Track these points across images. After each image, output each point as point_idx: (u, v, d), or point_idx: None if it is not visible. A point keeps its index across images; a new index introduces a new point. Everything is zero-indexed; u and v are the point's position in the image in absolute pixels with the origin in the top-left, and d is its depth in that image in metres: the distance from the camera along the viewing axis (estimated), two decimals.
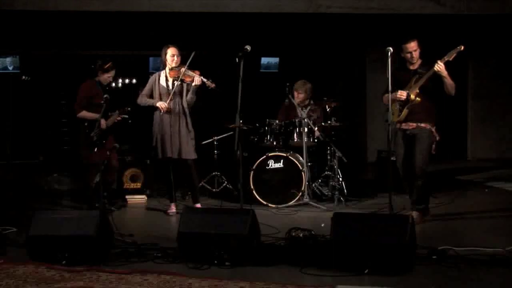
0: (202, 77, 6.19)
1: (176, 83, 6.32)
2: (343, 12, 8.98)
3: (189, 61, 6.24)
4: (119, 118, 6.61)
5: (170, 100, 6.28)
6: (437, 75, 5.56)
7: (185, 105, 6.36)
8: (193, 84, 6.23)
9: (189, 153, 6.35)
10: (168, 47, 6.34)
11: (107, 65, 6.56)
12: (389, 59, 5.16)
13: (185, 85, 6.35)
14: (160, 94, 6.37)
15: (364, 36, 10.16)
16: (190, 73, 6.26)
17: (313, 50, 10.49)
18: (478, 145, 10.97)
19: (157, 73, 6.53)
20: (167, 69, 6.38)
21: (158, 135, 6.34)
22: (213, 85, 6.24)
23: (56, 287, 4.00)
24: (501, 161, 10.23)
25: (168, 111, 6.26)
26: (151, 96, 6.42)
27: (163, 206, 6.92)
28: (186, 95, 6.35)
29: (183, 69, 6.25)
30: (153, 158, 6.56)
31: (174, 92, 6.29)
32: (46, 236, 4.55)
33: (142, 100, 6.43)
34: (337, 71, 10.77)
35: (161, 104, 6.26)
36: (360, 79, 10.81)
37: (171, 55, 6.32)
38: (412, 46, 5.77)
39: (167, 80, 6.38)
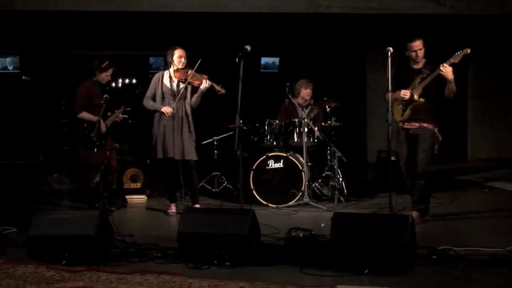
0: (211, 82, 6.18)
1: (181, 84, 6.30)
2: (343, 12, 8.98)
3: (197, 65, 6.21)
4: (120, 117, 6.61)
5: (176, 102, 6.26)
6: (442, 78, 5.55)
7: (188, 107, 6.34)
8: (202, 87, 6.22)
9: (191, 154, 6.35)
10: (175, 48, 6.32)
11: (104, 64, 6.57)
12: (389, 59, 5.15)
13: (189, 88, 6.33)
14: (163, 94, 6.34)
15: (364, 36, 10.16)
16: (199, 76, 6.24)
17: (313, 50, 10.49)
18: (478, 145, 10.97)
19: (159, 72, 6.50)
20: (171, 69, 6.36)
21: (159, 136, 6.31)
22: (223, 91, 6.24)
23: (56, 287, 4.00)
24: (501, 161, 10.23)
25: (172, 115, 6.25)
26: (154, 96, 6.40)
27: (163, 206, 6.92)
28: (190, 98, 6.34)
29: (190, 72, 6.23)
30: (153, 158, 6.53)
31: (180, 95, 6.26)
32: (46, 236, 4.55)
33: (148, 103, 6.39)
34: (337, 71, 10.77)
35: (166, 110, 6.23)
36: (360, 79, 10.82)
37: (178, 56, 6.29)
38: (418, 44, 5.76)
39: (171, 81, 6.35)
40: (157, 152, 6.33)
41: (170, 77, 6.36)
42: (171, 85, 6.35)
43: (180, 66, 6.30)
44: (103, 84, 6.65)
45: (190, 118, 6.36)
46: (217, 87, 6.24)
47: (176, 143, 6.28)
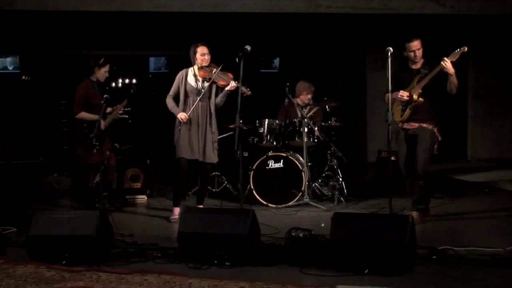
0: (237, 83, 5.90)
1: (206, 83, 6.19)
2: (343, 12, 8.97)
3: (222, 65, 6.07)
4: (122, 110, 6.59)
5: (200, 100, 6.13)
6: (443, 73, 5.55)
7: (212, 106, 6.23)
8: (227, 88, 6.11)
9: (212, 157, 6.25)
10: (198, 46, 6.18)
11: (101, 60, 6.56)
12: (389, 59, 5.16)
13: (214, 86, 6.22)
14: (186, 93, 6.20)
15: (364, 36, 10.16)
16: (225, 76, 6.14)
17: (313, 50, 10.49)
18: (478, 145, 10.96)
19: (183, 70, 6.30)
20: (195, 67, 6.22)
21: (184, 135, 6.14)
22: (249, 93, 6.11)
23: (56, 287, 4.01)
24: (501, 161, 10.22)
25: (193, 113, 6.11)
26: (177, 94, 6.24)
27: (163, 206, 6.92)
28: (215, 97, 6.24)
29: (215, 70, 6.11)
30: (176, 156, 6.20)
31: (204, 93, 6.14)
32: (46, 236, 4.55)
33: (169, 104, 6.23)
34: (337, 71, 10.76)
35: (180, 116, 6.08)
36: (360, 79, 10.81)
37: (201, 54, 6.15)
38: (416, 44, 5.77)
39: (196, 79, 6.23)
40: (181, 152, 6.12)
41: (195, 75, 6.23)
42: (196, 84, 6.21)
43: (203, 64, 6.17)
44: (101, 84, 6.64)
45: (214, 117, 6.24)
46: (243, 89, 6.05)
47: (200, 143, 6.17)
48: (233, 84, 6.02)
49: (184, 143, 6.14)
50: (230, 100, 6.32)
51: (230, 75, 6.14)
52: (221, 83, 6.17)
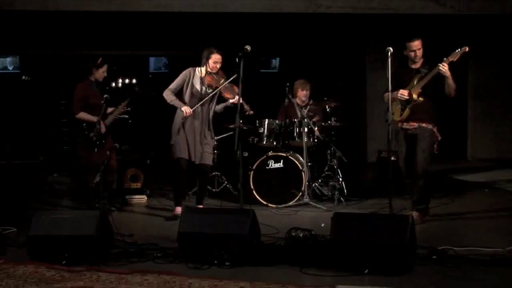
0: (242, 99, 5.78)
1: (210, 90, 6.21)
2: (343, 12, 8.98)
3: (231, 78, 6.09)
4: (122, 110, 6.58)
5: (201, 105, 6.17)
6: (441, 76, 5.55)
7: (211, 113, 6.29)
8: (231, 101, 6.18)
9: (209, 159, 6.35)
10: (213, 52, 6.17)
11: (99, 61, 6.56)
12: (389, 59, 5.16)
13: (217, 94, 6.27)
14: (191, 95, 6.22)
15: (364, 36, 10.16)
16: (231, 89, 6.19)
17: (313, 50, 10.49)
18: (478, 145, 10.96)
19: (190, 69, 6.29)
20: (203, 70, 6.24)
21: (182, 137, 6.18)
22: (251, 112, 6.24)
23: (56, 287, 4.01)
24: (501, 161, 10.23)
25: (191, 116, 6.14)
26: (179, 91, 6.24)
27: (163, 206, 6.92)
28: (215, 104, 6.31)
29: (222, 81, 6.15)
30: (173, 156, 6.25)
31: (206, 99, 6.18)
32: (46, 236, 4.55)
33: (169, 97, 6.20)
34: (337, 71, 10.77)
35: (186, 109, 6.09)
36: (360, 79, 10.81)
37: (214, 62, 6.16)
38: (416, 44, 5.76)
39: (201, 83, 6.24)
40: (180, 152, 6.17)
41: (201, 79, 6.24)
42: (200, 88, 6.23)
43: (213, 71, 6.21)
44: (101, 84, 6.63)
45: (211, 124, 6.31)
46: (246, 107, 6.16)
47: (197, 146, 6.21)
48: (237, 98, 5.94)
49: (183, 145, 6.19)
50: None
51: (236, 89, 6.13)
52: (226, 95, 6.23)
